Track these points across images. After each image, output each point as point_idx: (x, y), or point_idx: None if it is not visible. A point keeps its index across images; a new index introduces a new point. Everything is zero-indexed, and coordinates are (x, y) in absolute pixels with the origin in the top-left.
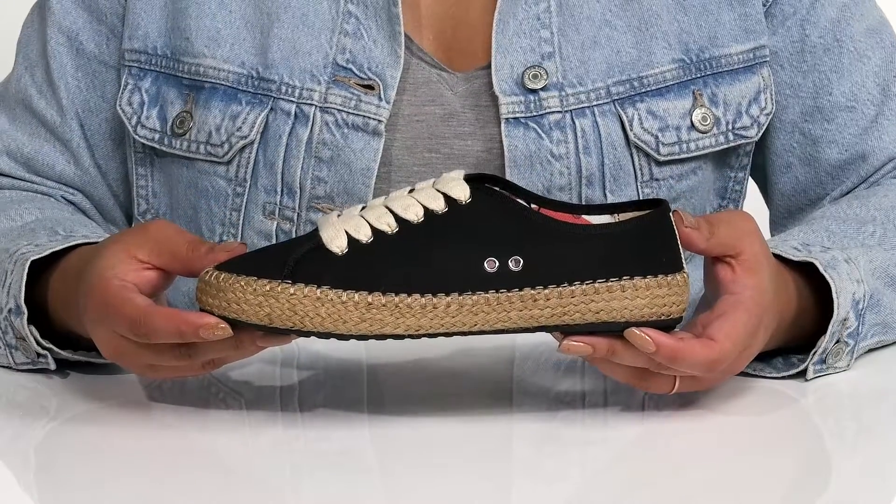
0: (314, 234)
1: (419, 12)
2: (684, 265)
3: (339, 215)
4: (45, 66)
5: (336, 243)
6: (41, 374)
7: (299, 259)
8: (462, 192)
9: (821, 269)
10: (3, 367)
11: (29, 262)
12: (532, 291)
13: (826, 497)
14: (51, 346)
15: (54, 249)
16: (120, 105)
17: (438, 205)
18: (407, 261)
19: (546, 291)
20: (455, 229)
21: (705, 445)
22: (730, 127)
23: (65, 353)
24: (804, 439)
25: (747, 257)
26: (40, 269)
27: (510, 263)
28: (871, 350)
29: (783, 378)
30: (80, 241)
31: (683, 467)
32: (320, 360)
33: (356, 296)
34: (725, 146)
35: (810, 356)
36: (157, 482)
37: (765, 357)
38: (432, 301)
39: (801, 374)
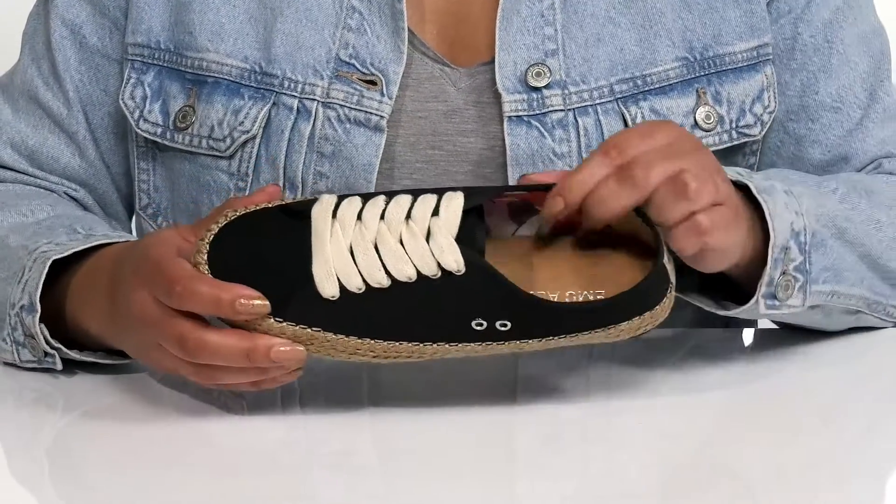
0: (307, 262)
1: (422, 7)
2: (671, 287)
3: (331, 232)
4: (50, 58)
5: (328, 291)
6: (46, 376)
7: (290, 301)
8: (455, 264)
9: (754, 191)
10: (8, 364)
11: (50, 262)
12: (518, 343)
13: (825, 496)
14: (59, 346)
15: (76, 250)
16: (122, 99)
17: (431, 271)
18: (396, 314)
19: (532, 342)
20: (446, 294)
21: (708, 444)
22: (733, 125)
23: (72, 354)
24: (803, 438)
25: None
26: (57, 269)
27: (497, 325)
28: (869, 349)
29: (736, 314)
30: (102, 241)
31: (686, 466)
32: (321, 360)
33: (345, 339)
34: (729, 144)
35: (758, 287)
36: (157, 485)
37: (717, 298)
38: (420, 347)
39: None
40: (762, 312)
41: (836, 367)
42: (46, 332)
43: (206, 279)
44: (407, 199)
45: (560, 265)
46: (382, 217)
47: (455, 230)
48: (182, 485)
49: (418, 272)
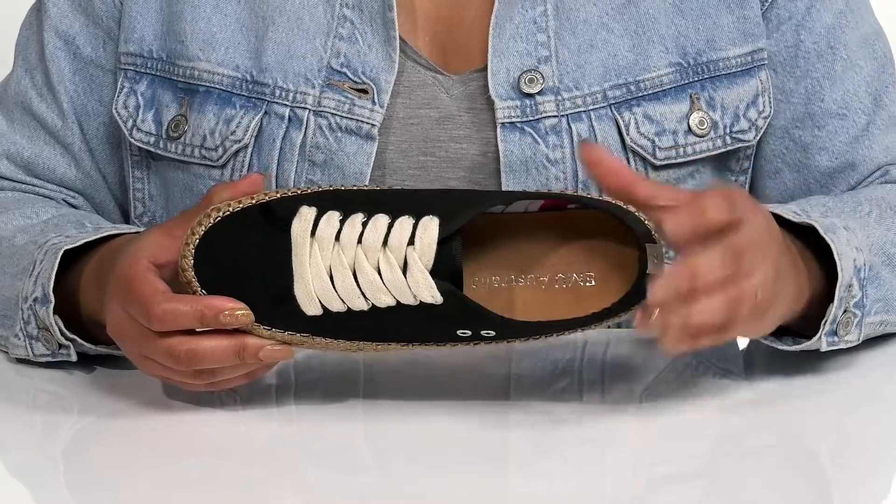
0: (289, 281)
1: (414, 14)
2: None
3: (310, 254)
4: (44, 69)
5: (311, 311)
6: (59, 378)
7: (276, 313)
8: (432, 299)
9: (821, 231)
10: (22, 364)
11: (62, 252)
12: (506, 343)
13: (824, 497)
14: (74, 336)
15: (88, 240)
16: (116, 108)
17: (409, 301)
18: (381, 328)
19: (518, 341)
20: (428, 316)
21: (703, 444)
22: (727, 131)
23: (87, 345)
24: (802, 440)
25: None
26: (67, 263)
27: (482, 333)
28: (866, 348)
29: (798, 350)
30: (111, 232)
31: (680, 466)
32: (316, 356)
33: (335, 341)
34: (723, 150)
35: (822, 326)
36: (148, 484)
37: (776, 334)
38: (408, 347)
39: (813, 354)
40: (822, 350)
41: (832, 366)
42: (61, 324)
43: (182, 298)
44: (384, 221)
45: (548, 243)
46: (360, 241)
47: (430, 263)
48: (173, 483)
49: (397, 301)
